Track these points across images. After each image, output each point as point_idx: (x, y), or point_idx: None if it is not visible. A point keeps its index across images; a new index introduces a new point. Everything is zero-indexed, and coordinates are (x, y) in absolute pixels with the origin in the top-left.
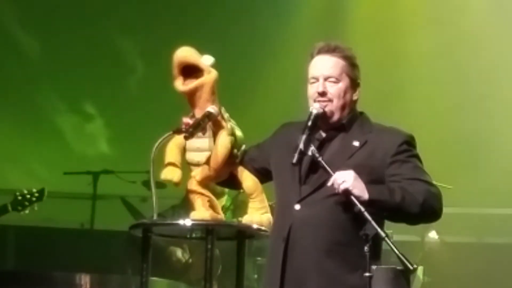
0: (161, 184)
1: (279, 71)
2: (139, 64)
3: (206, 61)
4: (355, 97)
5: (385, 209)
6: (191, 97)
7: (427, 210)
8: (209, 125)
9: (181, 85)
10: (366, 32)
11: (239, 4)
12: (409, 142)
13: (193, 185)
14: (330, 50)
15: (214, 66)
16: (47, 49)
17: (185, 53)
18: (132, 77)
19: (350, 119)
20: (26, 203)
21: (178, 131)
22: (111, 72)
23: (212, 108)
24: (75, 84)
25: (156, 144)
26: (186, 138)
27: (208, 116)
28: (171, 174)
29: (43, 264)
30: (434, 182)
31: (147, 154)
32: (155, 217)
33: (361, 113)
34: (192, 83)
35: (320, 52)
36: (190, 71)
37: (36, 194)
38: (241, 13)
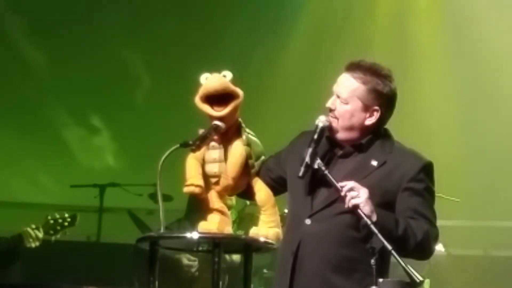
0: (167, 197)
1: (296, 80)
2: (146, 77)
3: (227, 78)
4: (368, 122)
5: (384, 236)
6: (222, 118)
7: (420, 249)
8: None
9: (212, 111)
10: (381, 50)
11: (248, 13)
12: (427, 171)
13: (212, 198)
14: (352, 69)
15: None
16: (53, 63)
17: (220, 84)
18: (139, 90)
19: (371, 140)
20: (58, 228)
21: (185, 144)
22: (117, 85)
23: (219, 121)
24: (81, 97)
25: (163, 157)
26: (193, 151)
27: (215, 129)
28: (192, 188)
29: (49, 277)
30: (444, 196)
31: (154, 167)
32: (162, 230)
33: (385, 130)
34: (226, 109)
35: (345, 68)
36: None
37: (68, 219)
38: (252, 21)
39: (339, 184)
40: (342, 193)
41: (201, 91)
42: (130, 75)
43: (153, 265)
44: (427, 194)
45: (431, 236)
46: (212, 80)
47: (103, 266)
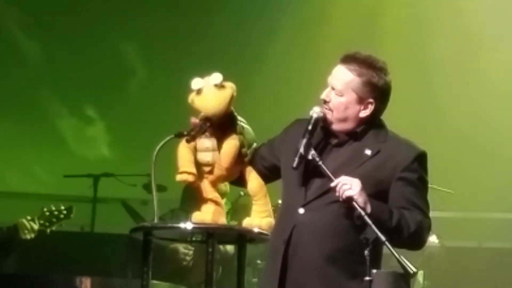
0: (161, 188)
1: (286, 70)
2: (140, 68)
3: (215, 79)
4: (362, 114)
5: (378, 228)
6: None
7: (413, 240)
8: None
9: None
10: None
11: (240, 4)
12: (421, 160)
13: (205, 188)
14: (347, 61)
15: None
16: (48, 53)
17: (215, 112)
18: (133, 81)
19: (365, 129)
20: (54, 220)
21: (179, 135)
22: (112, 76)
23: None
24: (76, 87)
25: (157, 147)
26: (188, 141)
27: (209, 119)
28: (185, 176)
29: (43, 267)
30: (438, 187)
31: (148, 157)
32: (156, 221)
33: (379, 120)
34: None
35: (341, 60)
36: None
37: (64, 212)
38: (242, 13)
39: (333, 183)
40: (337, 194)
41: (197, 108)
42: (125, 66)
43: (147, 256)
44: (421, 184)
45: (424, 227)
46: (208, 104)
47: (97, 256)
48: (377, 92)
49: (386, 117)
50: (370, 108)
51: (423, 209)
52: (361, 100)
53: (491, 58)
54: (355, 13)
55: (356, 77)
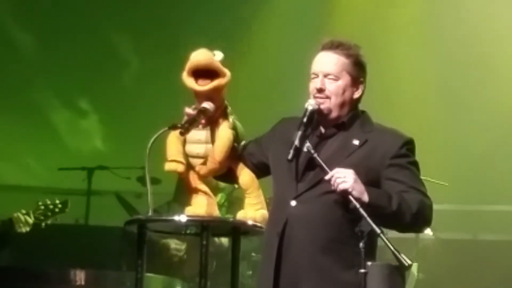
0: (156, 180)
1: (265, 65)
2: (134, 60)
3: (217, 57)
4: (356, 95)
5: (379, 214)
6: (204, 96)
7: (418, 221)
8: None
9: (195, 84)
10: (351, 27)
11: None
12: (409, 146)
13: (194, 179)
14: (333, 47)
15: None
16: (42, 45)
17: (205, 58)
18: (127, 73)
19: (352, 118)
20: (49, 214)
21: (173, 127)
22: (105, 68)
23: (207, 104)
24: (69, 80)
25: (151, 140)
26: (181, 134)
27: (204, 112)
28: (174, 165)
29: (37, 260)
30: (432, 180)
31: (142, 150)
32: (150, 213)
33: (363, 112)
34: (209, 84)
35: (323, 48)
36: (202, 70)
37: (60, 206)
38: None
39: (328, 176)
40: (333, 187)
41: (187, 64)
42: (118, 58)
43: (141, 248)
44: (413, 166)
45: (426, 205)
46: (197, 54)
47: (91, 249)
48: (364, 70)
49: (372, 110)
50: (361, 87)
51: (421, 189)
52: (354, 81)
53: (501, 47)
54: (356, 8)
55: (346, 59)
